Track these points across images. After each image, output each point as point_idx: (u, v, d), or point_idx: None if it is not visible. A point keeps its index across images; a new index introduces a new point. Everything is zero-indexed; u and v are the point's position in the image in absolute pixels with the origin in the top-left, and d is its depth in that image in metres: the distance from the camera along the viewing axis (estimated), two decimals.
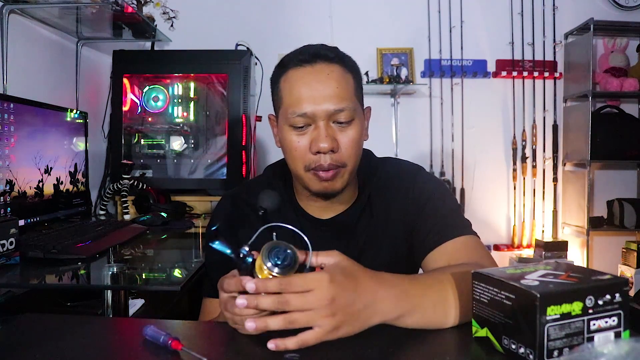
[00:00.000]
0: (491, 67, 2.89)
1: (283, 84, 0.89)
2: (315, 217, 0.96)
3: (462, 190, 2.86)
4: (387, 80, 2.68)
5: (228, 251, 0.65)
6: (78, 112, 1.89)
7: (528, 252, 2.89)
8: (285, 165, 0.94)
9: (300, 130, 0.86)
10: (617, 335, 0.59)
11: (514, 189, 2.90)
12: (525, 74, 2.87)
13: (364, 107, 0.94)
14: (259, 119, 2.33)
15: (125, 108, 2.26)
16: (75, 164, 1.82)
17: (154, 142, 2.29)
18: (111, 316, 1.12)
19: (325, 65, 0.86)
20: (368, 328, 0.66)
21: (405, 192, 0.96)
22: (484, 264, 0.80)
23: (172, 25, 2.53)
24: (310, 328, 0.62)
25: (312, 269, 0.67)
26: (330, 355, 0.63)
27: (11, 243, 1.15)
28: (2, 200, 1.36)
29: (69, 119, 1.80)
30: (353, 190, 0.97)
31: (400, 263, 0.95)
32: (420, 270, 0.97)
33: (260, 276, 0.64)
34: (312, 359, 0.62)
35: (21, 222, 1.38)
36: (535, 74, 2.87)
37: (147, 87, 2.29)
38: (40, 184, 1.57)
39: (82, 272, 1.21)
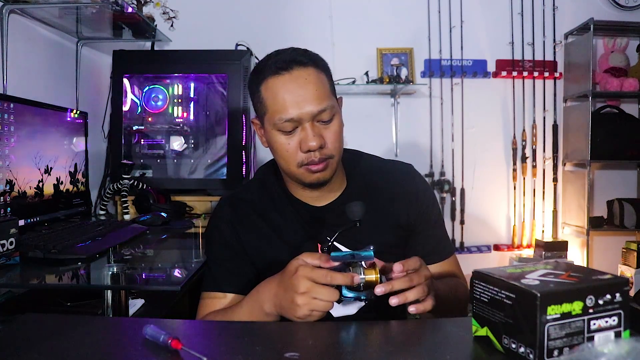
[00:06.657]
0: (491, 67, 2.88)
1: (265, 92, 0.95)
2: (311, 205, 1.03)
3: (462, 190, 2.86)
4: (387, 80, 2.68)
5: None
6: (78, 112, 1.88)
7: (528, 252, 2.89)
8: (275, 163, 1.03)
9: (289, 134, 0.94)
10: (618, 335, 0.59)
11: (514, 189, 2.90)
12: (525, 74, 2.86)
13: (337, 98, 1.01)
14: None
15: (125, 108, 2.25)
16: (75, 164, 1.82)
17: (154, 142, 2.29)
18: (111, 316, 1.11)
19: (301, 70, 0.93)
20: (368, 328, 0.74)
21: (402, 188, 1.05)
22: (463, 276, 1.07)
23: (172, 25, 2.53)
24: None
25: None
26: (330, 355, 0.63)
27: (11, 243, 1.15)
28: (2, 200, 1.36)
29: (68, 119, 1.80)
30: (341, 178, 1.05)
31: (386, 251, 1.00)
32: None
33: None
34: (312, 359, 0.62)
35: (21, 222, 1.38)
36: (535, 74, 2.87)
37: (147, 87, 2.29)
38: (40, 184, 1.57)
39: (82, 272, 1.21)
